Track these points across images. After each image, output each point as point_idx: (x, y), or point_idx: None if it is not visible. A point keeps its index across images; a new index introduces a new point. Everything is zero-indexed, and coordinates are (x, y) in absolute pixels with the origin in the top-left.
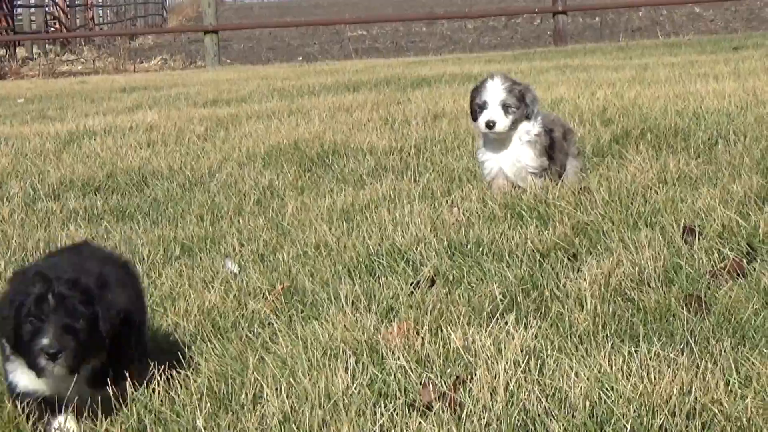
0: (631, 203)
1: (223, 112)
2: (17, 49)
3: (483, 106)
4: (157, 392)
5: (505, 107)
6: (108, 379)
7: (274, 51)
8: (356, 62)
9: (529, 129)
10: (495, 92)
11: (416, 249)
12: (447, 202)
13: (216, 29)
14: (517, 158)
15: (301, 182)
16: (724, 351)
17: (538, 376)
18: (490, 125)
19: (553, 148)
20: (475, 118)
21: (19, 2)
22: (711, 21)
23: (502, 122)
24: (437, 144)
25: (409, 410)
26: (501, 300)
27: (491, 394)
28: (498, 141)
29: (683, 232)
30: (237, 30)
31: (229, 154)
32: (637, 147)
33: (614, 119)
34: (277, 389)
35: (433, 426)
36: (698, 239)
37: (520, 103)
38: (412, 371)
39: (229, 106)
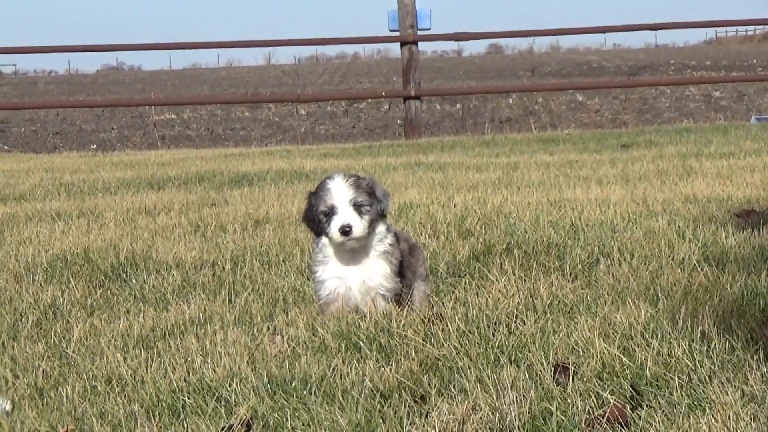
0: (493, 335)
1: None
2: None
3: (331, 212)
4: None
5: (358, 207)
6: None
7: (63, 137)
8: (163, 153)
9: (385, 235)
10: (341, 192)
11: (230, 385)
12: (268, 328)
13: None
14: (368, 276)
15: (91, 300)
16: None
17: None
18: (346, 231)
19: (402, 265)
20: (319, 232)
21: None
22: (596, 112)
23: (359, 225)
24: (258, 257)
25: None
26: None
27: None
28: (350, 253)
29: (555, 371)
30: (17, 110)
31: (3, 264)
32: (502, 265)
33: (475, 231)
34: None
35: None
36: (573, 380)
37: (372, 199)
38: None
39: (5, 204)
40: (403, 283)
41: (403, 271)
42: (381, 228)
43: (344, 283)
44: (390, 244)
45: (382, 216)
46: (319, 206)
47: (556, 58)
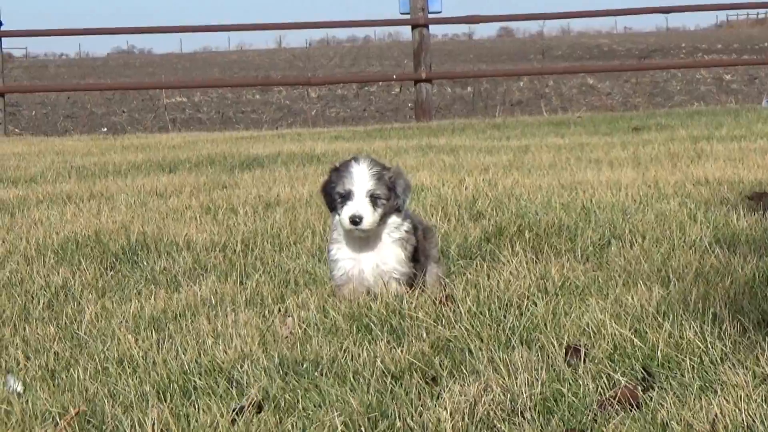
0: (504, 316)
1: (9, 194)
2: None
3: (347, 197)
4: None
5: (374, 198)
6: None
7: (74, 119)
8: (173, 136)
9: (399, 224)
10: (362, 180)
11: (241, 367)
12: (279, 310)
13: (1, 91)
14: (382, 260)
15: (102, 282)
16: None
17: None
18: (356, 221)
19: (417, 251)
20: (332, 209)
21: None
22: (607, 95)
23: (370, 217)
24: (269, 239)
25: None
26: (343, 431)
27: None
28: (362, 238)
29: (566, 353)
30: (28, 93)
31: (14, 246)
32: (513, 247)
33: (486, 213)
34: None
35: None
36: (584, 361)
37: (390, 193)
38: None
39: (15, 187)
40: (417, 268)
41: (417, 256)
42: (394, 219)
43: (358, 264)
44: (406, 231)
45: (397, 210)
46: (337, 186)
47: (567, 42)
